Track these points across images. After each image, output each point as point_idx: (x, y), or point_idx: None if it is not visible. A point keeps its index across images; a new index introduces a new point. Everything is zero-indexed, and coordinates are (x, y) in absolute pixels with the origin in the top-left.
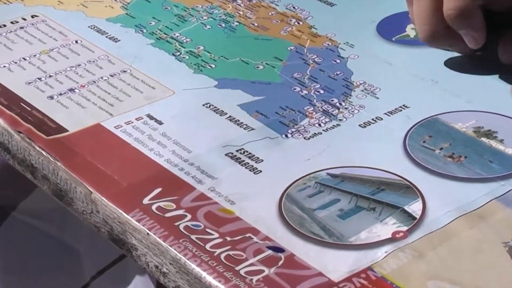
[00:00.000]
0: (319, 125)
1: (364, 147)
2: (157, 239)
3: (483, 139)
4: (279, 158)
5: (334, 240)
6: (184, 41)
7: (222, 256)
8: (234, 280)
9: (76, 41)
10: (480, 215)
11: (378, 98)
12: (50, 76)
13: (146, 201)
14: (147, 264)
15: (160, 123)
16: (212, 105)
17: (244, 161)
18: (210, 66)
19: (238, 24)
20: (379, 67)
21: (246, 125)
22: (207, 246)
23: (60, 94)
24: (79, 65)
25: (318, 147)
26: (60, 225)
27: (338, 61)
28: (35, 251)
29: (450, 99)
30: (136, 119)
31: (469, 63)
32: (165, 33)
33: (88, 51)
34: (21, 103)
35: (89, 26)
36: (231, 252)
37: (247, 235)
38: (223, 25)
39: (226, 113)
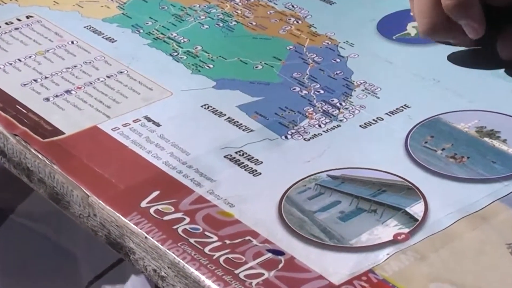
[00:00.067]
0: (319, 126)
1: (365, 148)
2: (155, 242)
3: (486, 139)
4: (279, 160)
5: (335, 243)
6: (182, 41)
7: (221, 259)
8: (234, 284)
9: (72, 42)
10: (483, 217)
11: (379, 98)
12: (45, 77)
13: (144, 204)
14: (145, 268)
15: (158, 125)
16: (211, 106)
17: (243, 163)
18: (208, 67)
19: (236, 23)
20: (379, 66)
21: (245, 126)
22: (206, 250)
23: (56, 96)
24: (75, 66)
25: (318, 148)
26: (57, 228)
27: (338, 60)
28: (33, 253)
29: (452, 98)
30: (133, 121)
31: (471, 59)
32: (162, 33)
33: (84, 52)
34: (17, 105)
35: (85, 27)
36: (230, 256)
37: (247, 238)
38: (221, 24)
39: (225, 114)
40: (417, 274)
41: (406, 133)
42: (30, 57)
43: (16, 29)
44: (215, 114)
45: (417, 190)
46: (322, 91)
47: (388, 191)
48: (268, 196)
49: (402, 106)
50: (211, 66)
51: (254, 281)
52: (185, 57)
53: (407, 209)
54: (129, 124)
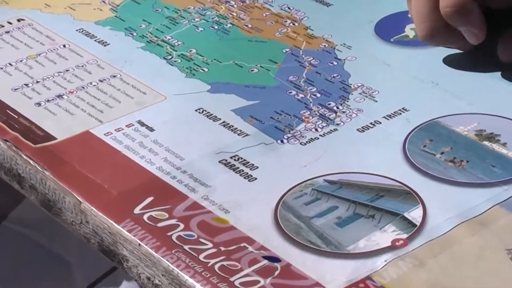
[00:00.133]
0: (316, 130)
1: (363, 152)
2: (149, 250)
3: (485, 142)
4: (275, 165)
5: (332, 249)
6: (176, 44)
7: (216, 266)
8: None
9: (64, 45)
10: (482, 222)
11: (376, 101)
12: (37, 82)
13: (137, 210)
14: (139, 276)
15: (152, 129)
16: (205, 110)
17: (238, 168)
18: (203, 70)
19: (231, 26)
20: (377, 69)
21: (240, 130)
22: (201, 257)
23: (48, 101)
24: (67, 70)
25: (315, 153)
26: (50, 235)
27: (335, 63)
28: (26, 260)
29: (451, 101)
30: (126, 125)
31: (469, 61)
32: (156, 36)
33: (77, 56)
34: (7, 110)
35: (77, 30)
36: (225, 263)
37: (242, 244)
38: (216, 27)
39: (220, 119)
40: (416, 280)
41: (404, 136)
42: (21, 61)
43: (7, 32)
44: (209, 118)
45: (416, 194)
46: (318, 95)
47: (386, 196)
48: (264, 201)
49: (400, 110)
50: (206, 69)
51: None
52: (179, 61)
53: (406, 214)
54: (122, 129)
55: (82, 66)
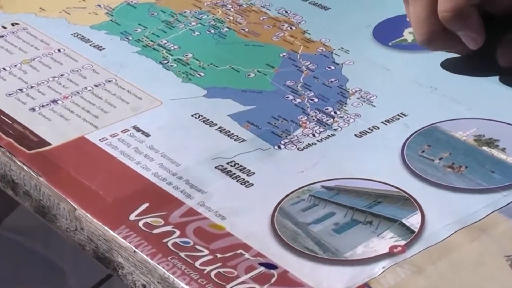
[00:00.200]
0: (313, 135)
1: (360, 158)
2: (144, 256)
3: (485, 148)
4: (272, 171)
5: (329, 256)
6: (172, 48)
7: (213, 273)
8: None
9: (59, 50)
10: (482, 228)
11: (374, 106)
12: (31, 87)
13: (132, 217)
14: (134, 283)
15: (147, 135)
16: (201, 116)
17: (235, 174)
18: (199, 75)
19: (228, 30)
20: (375, 73)
21: (237, 136)
22: (197, 264)
23: (42, 106)
24: (62, 75)
25: (312, 159)
26: (45, 242)
27: (333, 67)
28: (20, 268)
29: (450, 106)
30: (122, 131)
31: (468, 66)
32: (151, 41)
33: (72, 60)
34: (1, 116)
35: (72, 34)
36: (221, 270)
37: (239, 251)
38: (213, 31)
39: (216, 124)
40: (414, 287)
41: (402, 142)
42: (15, 65)
43: (1, 37)
44: (206, 123)
45: (414, 201)
46: (316, 100)
47: (384, 202)
48: (261, 208)
49: (398, 114)
50: (202, 74)
51: None
52: (175, 65)
53: (404, 221)
54: (118, 135)
55: (77, 71)
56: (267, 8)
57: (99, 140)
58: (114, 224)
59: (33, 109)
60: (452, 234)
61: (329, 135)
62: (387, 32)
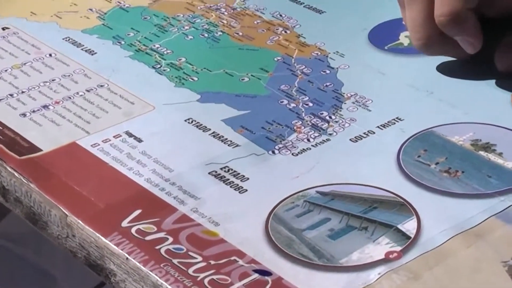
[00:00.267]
0: (308, 140)
1: (356, 163)
2: (137, 264)
3: (481, 152)
4: (266, 176)
5: (324, 262)
6: (165, 52)
7: (206, 280)
8: None
9: (50, 55)
10: (478, 233)
11: (370, 110)
12: (22, 92)
13: (125, 223)
14: None
15: (140, 140)
16: (195, 121)
17: (228, 179)
18: (192, 79)
19: (221, 33)
20: (371, 77)
21: (231, 141)
22: (190, 271)
23: (33, 111)
24: (53, 80)
25: (307, 164)
26: (36, 249)
27: (328, 71)
28: (11, 275)
29: (446, 110)
30: (114, 136)
31: (465, 69)
32: (144, 45)
33: (63, 65)
34: None
35: (63, 38)
36: (215, 277)
37: (232, 258)
38: (206, 35)
39: (210, 129)
40: None
41: (398, 147)
42: (6, 70)
43: None
44: (199, 128)
45: (410, 206)
46: (311, 104)
47: (380, 208)
48: (255, 214)
49: (394, 119)
50: (196, 78)
51: None
52: (168, 70)
53: (399, 226)
54: (110, 140)
55: (69, 75)
56: (261, 11)
57: (91, 145)
58: (106, 231)
59: (24, 115)
60: (449, 239)
61: (324, 140)
62: (383, 36)
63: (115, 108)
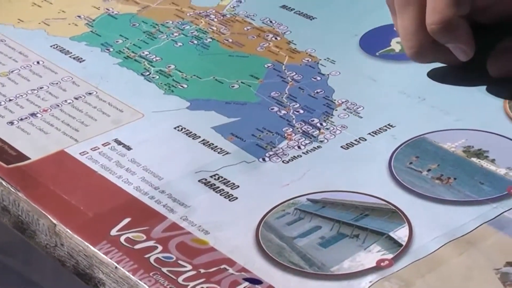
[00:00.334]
0: (299, 147)
1: (347, 170)
2: (126, 272)
3: (474, 159)
4: (256, 184)
5: (315, 270)
6: (154, 59)
7: None
8: None
9: (38, 62)
10: (470, 241)
11: (361, 117)
12: (10, 100)
13: (114, 232)
14: None
15: (129, 148)
16: (184, 128)
17: (218, 187)
18: (182, 86)
19: (211, 40)
20: (362, 84)
21: (221, 149)
22: (180, 279)
23: (21, 119)
24: (41, 88)
25: (298, 171)
26: (24, 259)
27: (319, 78)
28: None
29: (438, 117)
30: (102, 144)
31: (456, 75)
32: (133, 52)
33: (51, 73)
34: None
35: (51, 46)
36: (205, 285)
37: (222, 266)
38: (195, 41)
39: (199, 137)
40: None
41: (390, 153)
42: None
43: None
44: (189, 136)
45: (402, 213)
46: (301, 111)
47: (371, 215)
48: (245, 222)
49: (385, 126)
50: (185, 86)
51: None
52: (157, 77)
53: (391, 234)
54: (98, 148)
55: (57, 83)
56: (252, 18)
57: (80, 154)
58: (95, 240)
59: (12, 123)
60: (441, 247)
61: (315, 147)
62: (374, 42)
63: (104, 115)
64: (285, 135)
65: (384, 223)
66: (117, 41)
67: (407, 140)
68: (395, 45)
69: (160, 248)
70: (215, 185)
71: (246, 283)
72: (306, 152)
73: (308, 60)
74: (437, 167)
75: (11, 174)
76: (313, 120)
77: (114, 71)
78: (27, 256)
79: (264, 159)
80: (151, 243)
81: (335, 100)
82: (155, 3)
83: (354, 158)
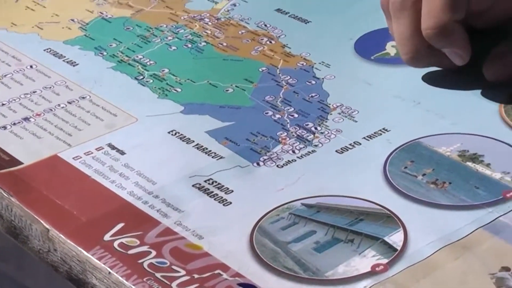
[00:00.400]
0: (293, 151)
1: (341, 175)
2: (119, 278)
3: (469, 163)
4: (251, 188)
5: (310, 275)
6: (148, 63)
7: None
8: None
9: (31, 66)
10: (466, 245)
11: (356, 121)
12: (2, 104)
13: (107, 237)
14: None
15: (122, 153)
16: (178, 133)
17: (212, 192)
18: (176, 90)
19: (205, 44)
20: (357, 88)
21: (215, 153)
22: (174, 285)
23: (14, 124)
24: (34, 92)
25: (292, 176)
26: (18, 265)
27: (314, 82)
28: None
29: (433, 121)
30: (96, 149)
31: (451, 79)
32: (127, 56)
33: (44, 77)
34: None
35: (44, 50)
36: None
37: (216, 271)
38: (190, 45)
39: (193, 141)
40: None
41: (385, 158)
42: None
43: None
44: (183, 140)
45: (397, 218)
46: (296, 115)
47: (366, 220)
48: (239, 226)
49: (380, 130)
50: (179, 90)
51: None
52: (151, 81)
53: (386, 239)
54: (92, 153)
55: (50, 87)
56: (246, 21)
57: (73, 158)
58: (88, 245)
59: (4, 127)
60: (436, 252)
61: (309, 152)
62: (369, 46)
63: (97, 120)
64: (280, 139)
65: (379, 228)
66: (110, 45)
67: (402, 144)
68: (390, 48)
69: (153, 253)
70: (209, 189)
71: None
72: (301, 156)
73: (303, 64)
74: (432, 171)
75: (3, 179)
76: (308, 124)
77: (108, 75)
78: (20, 262)
79: (258, 164)
80: (144, 248)
81: (330, 104)
82: (149, 6)
83: (349, 163)
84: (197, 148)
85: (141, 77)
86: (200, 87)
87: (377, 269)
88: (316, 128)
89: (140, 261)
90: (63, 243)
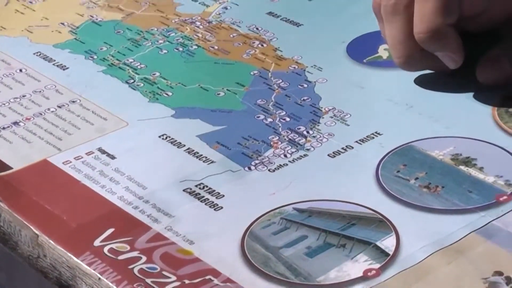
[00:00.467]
0: (285, 156)
1: (334, 179)
2: (110, 284)
3: (462, 167)
4: (242, 193)
5: (301, 280)
6: (138, 67)
7: None
8: None
9: (21, 70)
10: (458, 250)
11: (348, 125)
12: None
13: (97, 243)
14: None
15: (113, 157)
16: (169, 137)
17: (203, 197)
18: (167, 94)
19: (196, 47)
20: (349, 91)
21: (206, 157)
22: None
23: (3, 128)
24: (23, 96)
25: (284, 180)
26: (7, 271)
27: (305, 85)
28: None
29: (426, 124)
30: (86, 153)
31: (444, 82)
32: (117, 59)
33: (34, 81)
34: None
35: (34, 53)
36: None
37: (207, 277)
38: (181, 49)
39: (184, 145)
40: None
41: (377, 162)
42: None
43: None
44: (173, 145)
45: (389, 222)
46: (288, 119)
47: (358, 225)
48: (230, 232)
49: (373, 134)
50: (170, 93)
51: None
52: (142, 85)
53: (378, 243)
54: (82, 157)
55: (40, 91)
56: (238, 25)
57: (63, 163)
58: (78, 251)
59: None
60: (428, 256)
61: (301, 156)
62: (362, 49)
63: (88, 124)
64: (271, 143)
65: (371, 232)
66: (101, 49)
67: (394, 148)
68: (383, 52)
69: (144, 258)
70: (200, 194)
71: None
72: (293, 160)
73: (294, 67)
74: (425, 175)
75: None
76: (300, 128)
77: (98, 79)
78: (10, 268)
79: (250, 168)
80: (135, 253)
81: (322, 107)
82: (139, 10)
83: (341, 167)
84: (188, 153)
85: (132, 80)
86: (191, 91)
87: (369, 274)
88: (308, 132)
89: (130, 266)
90: (52, 249)
